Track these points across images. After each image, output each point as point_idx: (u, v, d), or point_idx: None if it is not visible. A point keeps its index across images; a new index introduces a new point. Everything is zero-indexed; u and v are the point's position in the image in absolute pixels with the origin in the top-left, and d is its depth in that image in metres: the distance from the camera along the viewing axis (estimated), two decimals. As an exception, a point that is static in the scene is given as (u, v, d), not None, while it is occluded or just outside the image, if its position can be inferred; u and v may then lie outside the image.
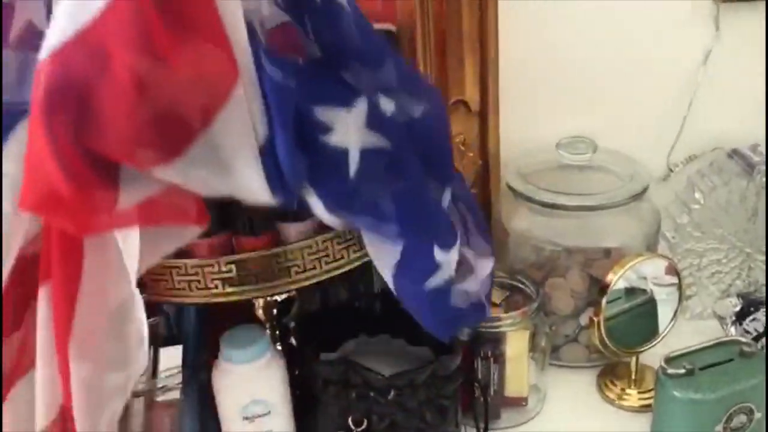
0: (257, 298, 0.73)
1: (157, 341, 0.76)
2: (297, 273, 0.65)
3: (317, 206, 0.53)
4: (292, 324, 0.86)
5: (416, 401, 0.72)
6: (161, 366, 0.76)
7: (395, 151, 0.55)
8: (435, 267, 0.61)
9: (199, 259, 0.63)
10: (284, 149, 0.48)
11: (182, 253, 0.64)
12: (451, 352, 0.74)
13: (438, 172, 0.62)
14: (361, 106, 0.53)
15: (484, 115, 0.97)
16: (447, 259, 0.62)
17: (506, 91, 0.96)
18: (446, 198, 0.63)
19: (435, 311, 0.63)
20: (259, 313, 0.83)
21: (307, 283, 0.65)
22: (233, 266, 0.63)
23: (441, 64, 0.93)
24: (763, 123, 0.99)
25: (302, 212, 0.63)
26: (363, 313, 0.83)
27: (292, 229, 0.64)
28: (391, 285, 0.61)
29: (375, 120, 0.54)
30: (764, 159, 0.92)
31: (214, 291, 0.64)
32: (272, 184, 0.49)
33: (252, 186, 0.49)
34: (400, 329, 0.82)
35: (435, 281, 0.62)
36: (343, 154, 0.52)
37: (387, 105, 0.55)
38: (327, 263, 0.66)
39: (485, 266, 0.71)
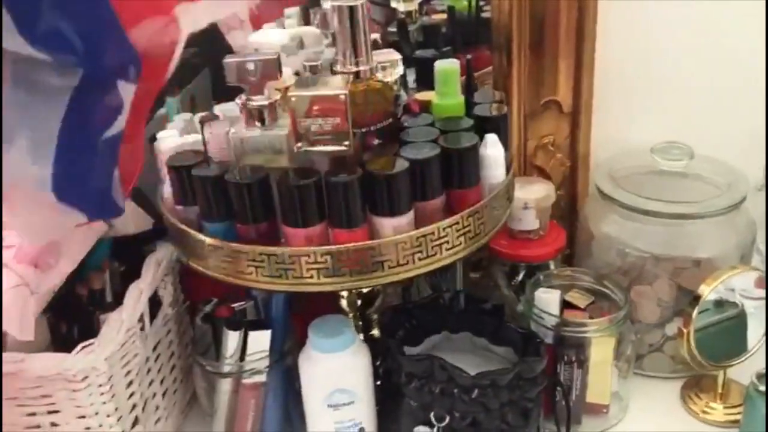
0: (349, 290, 0.74)
1: (247, 325, 0.77)
2: (390, 267, 0.65)
3: None
4: (375, 316, 0.87)
5: (499, 402, 0.72)
6: (249, 349, 0.78)
7: None
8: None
9: (297, 248, 0.64)
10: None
11: (278, 242, 0.66)
12: (536, 354, 0.74)
13: None
14: None
15: (576, 116, 0.96)
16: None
17: (600, 93, 0.94)
18: None
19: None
20: (344, 303, 0.84)
21: (398, 278, 0.66)
22: (329, 257, 0.64)
23: (535, 63, 0.92)
24: None
25: (398, 208, 0.64)
26: (446, 309, 0.83)
27: (387, 224, 0.64)
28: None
29: None
30: None
31: (309, 280, 0.65)
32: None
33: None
34: (483, 328, 0.82)
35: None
36: None
37: None
38: (420, 259, 0.66)
39: None
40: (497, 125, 0.72)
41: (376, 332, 0.85)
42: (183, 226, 0.69)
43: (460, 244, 0.68)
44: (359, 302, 0.84)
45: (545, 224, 0.91)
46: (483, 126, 0.72)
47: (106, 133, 0.59)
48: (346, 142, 0.64)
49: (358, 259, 0.64)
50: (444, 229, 0.66)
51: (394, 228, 0.64)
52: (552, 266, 0.92)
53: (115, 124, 0.59)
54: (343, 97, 0.63)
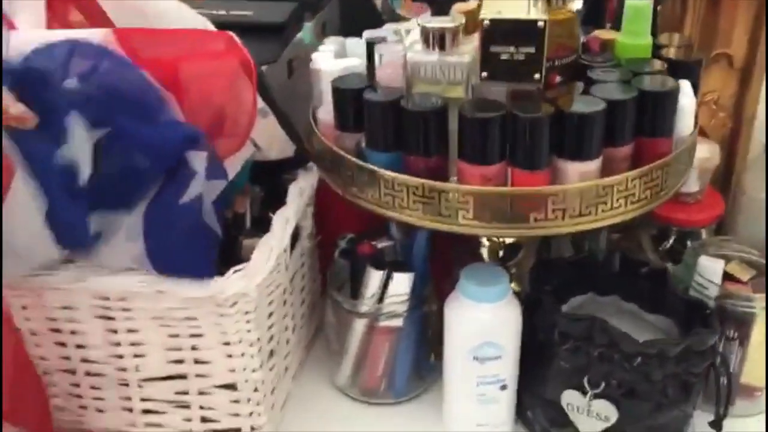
0: (523, 237, 0.68)
1: (390, 266, 0.73)
2: (570, 217, 0.60)
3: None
4: (513, 270, 0.82)
5: (663, 373, 0.66)
6: (390, 291, 0.74)
7: None
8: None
9: (474, 187, 0.59)
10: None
11: (447, 178, 0.61)
12: (705, 325, 0.68)
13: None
14: None
15: (747, 73, 0.88)
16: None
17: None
18: None
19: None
20: (484, 252, 0.79)
21: (576, 228, 0.60)
22: (509, 200, 0.58)
23: (710, 12, 0.84)
24: None
25: (589, 152, 0.58)
26: (597, 269, 0.77)
27: (573, 169, 0.58)
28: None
29: None
30: None
31: (479, 223, 0.60)
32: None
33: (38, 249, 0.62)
34: (636, 292, 0.76)
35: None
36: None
37: None
38: (603, 211, 0.60)
39: None
40: (689, 71, 0.66)
41: (513, 286, 0.80)
42: (343, 153, 0.65)
43: (645, 198, 0.62)
44: (500, 253, 0.79)
45: (704, 187, 0.84)
46: (674, 71, 0.65)
47: (183, 199, 0.61)
48: (537, 76, 0.58)
49: (536, 205, 0.59)
50: (632, 180, 0.60)
51: (580, 174, 0.59)
52: (704, 234, 0.85)
53: (190, 190, 0.61)
54: (542, 24, 0.57)
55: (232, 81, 0.65)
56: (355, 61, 0.69)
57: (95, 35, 0.62)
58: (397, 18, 0.97)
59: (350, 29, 1.03)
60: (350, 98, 0.63)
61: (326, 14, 0.97)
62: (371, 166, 0.62)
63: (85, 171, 0.59)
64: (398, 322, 0.75)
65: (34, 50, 0.59)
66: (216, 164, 0.64)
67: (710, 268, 0.76)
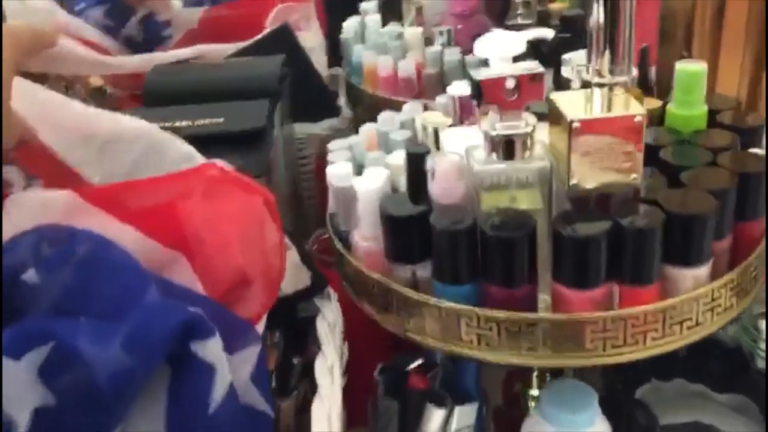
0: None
1: (450, 399, 0.63)
2: (688, 328, 0.52)
3: None
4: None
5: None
6: (456, 425, 0.63)
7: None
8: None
9: (583, 314, 0.50)
10: None
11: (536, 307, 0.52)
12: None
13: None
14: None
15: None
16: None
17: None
18: None
19: None
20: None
21: (697, 337, 0.52)
22: (623, 323, 0.50)
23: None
24: None
25: (702, 255, 0.51)
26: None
27: (687, 276, 0.51)
28: None
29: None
30: None
31: (593, 353, 0.51)
32: None
33: None
34: (702, 371, 0.70)
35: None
36: None
37: None
38: (718, 314, 0.53)
39: None
40: (755, 138, 0.60)
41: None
42: (407, 291, 0.54)
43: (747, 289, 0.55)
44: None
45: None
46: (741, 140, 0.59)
47: (211, 406, 0.45)
48: (634, 176, 0.50)
49: (654, 322, 0.51)
50: (752, 270, 0.53)
51: (695, 279, 0.51)
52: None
53: (215, 391, 0.45)
54: (639, 119, 0.49)
55: (259, 226, 0.53)
56: (383, 173, 0.58)
57: (57, 200, 0.48)
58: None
59: (305, 116, 0.94)
60: (410, 226, 0.53)
61: (283, 103, 0.86)
62: (449, 304, 0.52)
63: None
64: (464, 456, 0.65)
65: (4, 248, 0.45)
66: (240, 329, 0.51)
67: None
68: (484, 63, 0.81)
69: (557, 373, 0.70)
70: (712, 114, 0.61)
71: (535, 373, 0.73)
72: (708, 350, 0.70)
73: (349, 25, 0.97)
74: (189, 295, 0.50)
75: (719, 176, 0.53)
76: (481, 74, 0.50)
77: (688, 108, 0.61)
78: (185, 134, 0.66)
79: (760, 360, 0.70)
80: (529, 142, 0.51)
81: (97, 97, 0.88)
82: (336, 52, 1.05)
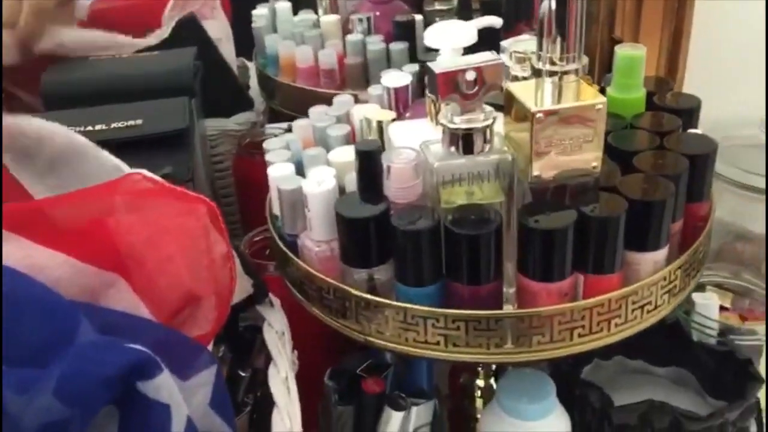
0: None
1: (406, 400, 0.62)
2: (648, 312, 0.52)
3: None
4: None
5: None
6: (413, 425, 0.62)
7: None
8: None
9: (552, 307, 0.49)
10: None
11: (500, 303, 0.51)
12: (744, 375, 0.65)
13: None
14: None
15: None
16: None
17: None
18: None
19: None
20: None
21: (656, 320, 0.53)
22: (586, 313, 0.50)
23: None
24: None
25: (660, 238, 0.51)
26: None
27: (647, 260, 0.51)
28: None
29: None
30: None
31: (561, 344, 0.51)
32: None
33: None
34: (640, 348, 0.72)
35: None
36: None
37: None
38: (673, 295, 0.54)
39: None
40: (692, 119, 0.61)
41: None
42: (367, 296, 0.52)
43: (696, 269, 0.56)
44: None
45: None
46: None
47: None
48: (594, 164, 0.50)
49: (618, 309, 0.51)
50: (700, 250, 0.54)
51: (654, 264, 0.52)
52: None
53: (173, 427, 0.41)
54: (601, 107, 0.48)
55: (203, 238, 0.49)
56: (330, 173, 0.55)
57: None
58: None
59: (216, 111, 0.89)
60: (367, 228, 0.50)
61: (196, 99, 0.82)
62: (414, 306, 0.50)
63: None
64: (422, 455, 0.64)
65: None
66: (192, 352, 0.47)
67: (705, 306, 0.73)
68: (410, 51, 0.80)
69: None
70: (648, 96, 0.62)
71: (480, 364, 0.72)
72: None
73: (260, 13, 0.92)
74: (132, 322, 0.46)
75: (671, 160, 0.53)
76: (438, 66, 0.47)
77: (627, 92, 0.61)
78: (101, 139, 0.61)
79: (695, 333, 0.72)
80: (488, 135, 0.50)
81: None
82: (242, 41, 1.00)
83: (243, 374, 0.61)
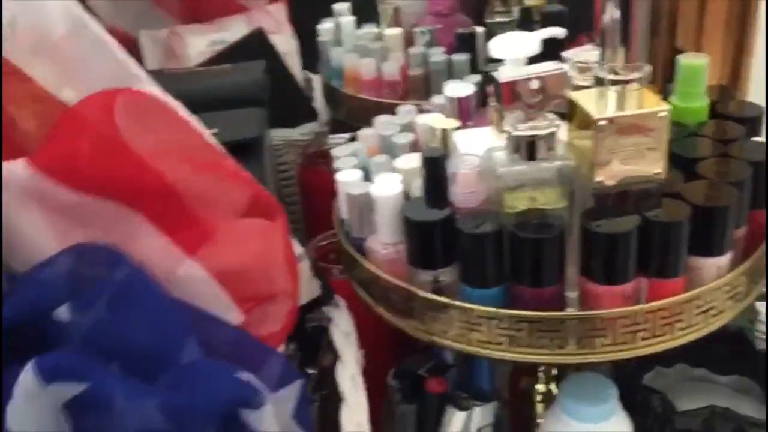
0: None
1: (469, 400, 0.63)
2: (713, 316, 0.53)
3: None
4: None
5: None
6: (474, 426, 0.63)
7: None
8: None
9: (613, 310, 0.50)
10: None
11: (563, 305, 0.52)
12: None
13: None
14: None
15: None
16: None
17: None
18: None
19: None
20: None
21: (719, 325, 0.54)
22: (649, 316, 0.51)
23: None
24: None
25: (723, 243, 0.52)
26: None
27: (710, 265, 0.52)
28: None
29: None
30: None
31: (623, 347, 0.51)
32: None
33: None
34: (706, 356, 0.72)
35: None
36: None
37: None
38: (738, 301, 0.54)
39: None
40: (756, 127, 0.61)
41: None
42: (434, 296, 0.54)
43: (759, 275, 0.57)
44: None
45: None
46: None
47: None
48: (657, 171, 0.51)
49: (681, 313, 0.52)
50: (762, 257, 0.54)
51: (717, 269, 0.52)
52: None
53: None
54: (664, 114, 0.49)
55: (285, 250, 0.52)
56: (396, 178, 0.58)
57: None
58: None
59: (281, 122, 0.92)
60: (434, 231, 0.52)
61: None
62: (479, 307, 0.52)
63: None
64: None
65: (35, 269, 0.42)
66: (282, 367, 0.49)
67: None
68: (472, 62, 0.82)
69: (564, 367, 0.71)
70: (711, 105, 0.63)
71: (541, 369, 0.73)
72: (708, 334, 0.71)
73: (325, 27, 0.95)
74: (229, 335, 0.48)
75: (734, 167, 0.54)
76: (503, 75, 0.49)
77: (690, 101, 0.62)
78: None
79: (759, 341, 0.72)
80: (551, 142, 0.51)
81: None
82: (306, 55, 1.04)
83: (311, 372, 0.63)
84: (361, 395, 0.57)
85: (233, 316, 0.49)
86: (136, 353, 0.41)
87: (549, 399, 0.73)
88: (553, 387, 0.73)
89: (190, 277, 0.48)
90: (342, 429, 0.54)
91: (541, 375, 0.73)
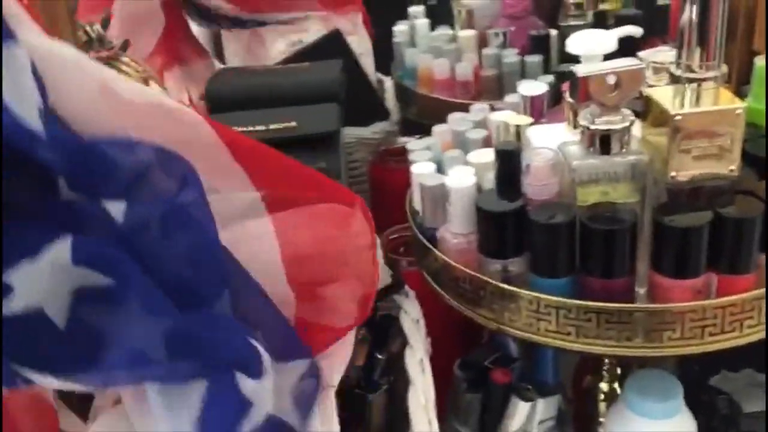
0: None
1: (533, 392, 0.64)
2: (785, 316, 0.53)
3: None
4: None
5: None
6: (536, 419, 0.64)
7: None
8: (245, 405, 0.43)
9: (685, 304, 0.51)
10: None
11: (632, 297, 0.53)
12: None
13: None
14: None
15: None
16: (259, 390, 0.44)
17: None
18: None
19: None
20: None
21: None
22: (718, 312, 0.51)
23: None
24: None
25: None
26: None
27: (782, 264, 0.52)
28: None
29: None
30: None
31: (690, 341, 0.52)
32: None
33: None
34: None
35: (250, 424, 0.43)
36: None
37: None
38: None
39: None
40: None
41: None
42: (504, 285, 0.55)
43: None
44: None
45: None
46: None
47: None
48: (731, 168, 0.52)
49: (751, 310, 0.52)
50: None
51: (791, 267, 0.52)
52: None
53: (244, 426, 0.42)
54: (740, 111, 0.50)
55: (353, 225, 0.54)
56: (470, 171, 0.59)
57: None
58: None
59: (354, 120, 0.95)
60: (506, 222, 0.54)
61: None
62: (547, 296, 0.53)
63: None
64: (545, 449, 0.66)
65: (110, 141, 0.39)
66: (290, 345, 0.49)
67: None
68: (544, 64, 0.83)
69: (628, 365, 0.71)
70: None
71: (605, 367, 0.74)
72: None
73: (400, 29, 0.98)
74: (257, 304, 0.48)
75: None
76: (581, 70, 0.51)
77: (765, 102, 0.62)
78: (260, 139, 0.67)
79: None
80: (626, 137, 0.52)
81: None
82: (378, 57, 1.06)
83: (380, 357, 0.65)
84: (428, 378, 0.59)
85: (282, 290, 0.50)
86: (169, 281, 0.39)
87: (612, 398, 0.73)
88: (616, 386, 0.74)
89: (259, 234, 0.49)
90: (409, 410, 0.56)
91: (605, 374, 0.74)
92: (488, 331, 0.73)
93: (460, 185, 0.57)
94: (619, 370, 0.73)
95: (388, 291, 0.68)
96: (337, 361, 0.56)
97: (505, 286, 0.55)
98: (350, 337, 0.57)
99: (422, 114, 0.92)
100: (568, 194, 0.54)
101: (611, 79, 0.50)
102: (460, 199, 0.57)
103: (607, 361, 0.72)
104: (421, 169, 0.62)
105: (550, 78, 0.74)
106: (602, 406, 0.75)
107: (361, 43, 1.02)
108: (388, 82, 1.06)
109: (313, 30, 1.01)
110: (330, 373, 0.54)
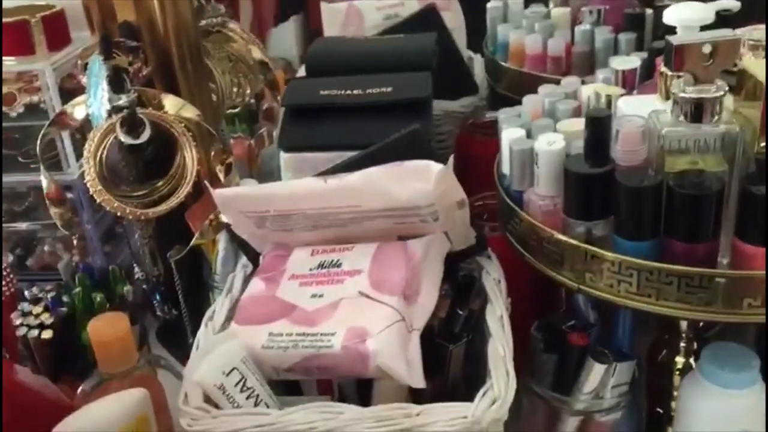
0: None
1: (613, 356, 0.66)
2: None
3: None
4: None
5: None
6: (613, 382, 0.66)
7: None
8: None
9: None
10: None
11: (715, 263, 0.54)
12: None
13: None
14: None
15: None
16: None
17: None
18: None
19: None
20: (683, 326, 0.73)
21: None
22: None
23: None
24: None
25: None
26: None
27: None
28: None
29: None
30: None
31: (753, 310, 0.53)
32: None
33: None
34: None
35: None
36: None
37: None
38: None
39: None
40: None
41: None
42: (588, 246, 0.57)
43: None
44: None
45: None
46: None
47: None
48: (825, 140, 0.52)
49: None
50: None
51: None
52: None
53: None
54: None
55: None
56: (559, 136, 0.61)
57: None
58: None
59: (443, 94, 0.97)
60: (592, 184, 0.56)
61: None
62: (630, 258, 0.55)
63: None
64: (617, 415, 0.68)
65: None
66: None
67: None
68: (638, 42, 0.84)
69: (705, 341, 0.72)
70: None
71: (682, 343, 0.75)
72: None
73: (494, 6, 1.00)
74: None
75: None
76: (676, 39, 0.52)
77: None
78: (357, 102, 0.72)
79: None
80: (718, 107, 0.54)
81: (262, 71, 0.94)
82: (470, 34, 1.09)
83: (461, 312, 0.68)
84: (508, 333, 0.61)
85: None
86: None
87: (688, 372, 0.74)
88: (692, 361, 0.75)
89: None
90: (488, 361, 0.59)
91: (681, 347, 0.75)
92: (566, 299, 0.76)
93: (548, 148, 0.59)
94: (695, 345, 0.74)
95: (471, 252, 0.70)
96: (421, 308, 0.60)
97: (589, 246, 0.57)
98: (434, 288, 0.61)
99: (512, 88, 0.94)
100: (657, 162, 0.56)
101: (707, 48, 0.52)
102: (548, 161, 0.59)
103: (684, 336, 0.73)
104: (511, 134, 0.64)
105: (643, 55, 0.75)
106: (677, 379, 0.76)
107: (454, 19, 1.04)
108: (478, 59, 1.08)
109: (408, 4, 1.04)
110: (415, 317, 0.58)
